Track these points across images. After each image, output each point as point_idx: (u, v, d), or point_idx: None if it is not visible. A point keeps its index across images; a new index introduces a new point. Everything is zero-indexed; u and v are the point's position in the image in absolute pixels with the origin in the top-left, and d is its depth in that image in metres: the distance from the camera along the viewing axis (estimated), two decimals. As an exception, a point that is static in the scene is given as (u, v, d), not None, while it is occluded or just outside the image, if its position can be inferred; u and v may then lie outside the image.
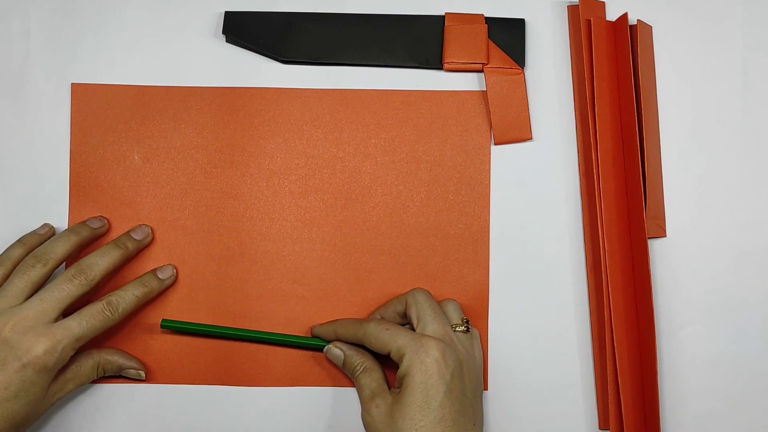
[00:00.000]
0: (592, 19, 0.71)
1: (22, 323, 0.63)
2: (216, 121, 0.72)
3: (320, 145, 0.72)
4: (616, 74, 0.71)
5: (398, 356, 0.64)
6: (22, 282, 0.65)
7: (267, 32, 0.73)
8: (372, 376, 0.67)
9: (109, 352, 0.69)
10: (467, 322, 0.68)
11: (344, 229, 0.72)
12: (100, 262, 0.67)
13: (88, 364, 0.68)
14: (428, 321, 0.66)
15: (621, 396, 0.67)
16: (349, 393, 0.71)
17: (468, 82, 0.73)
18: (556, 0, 0.74)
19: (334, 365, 0.70)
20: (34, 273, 0.65)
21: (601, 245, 0.69)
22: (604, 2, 0.73)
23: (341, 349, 0.68)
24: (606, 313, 0.68)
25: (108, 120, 0.72)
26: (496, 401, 0.71)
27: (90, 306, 0.66)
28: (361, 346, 0.68)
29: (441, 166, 0.72)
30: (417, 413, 0.61)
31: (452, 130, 0.72)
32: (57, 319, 0.64)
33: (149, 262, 0.72)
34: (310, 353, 0.71)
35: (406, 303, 0.68)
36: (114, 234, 0.72)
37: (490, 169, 0.72)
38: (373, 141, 0.72)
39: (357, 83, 0.73)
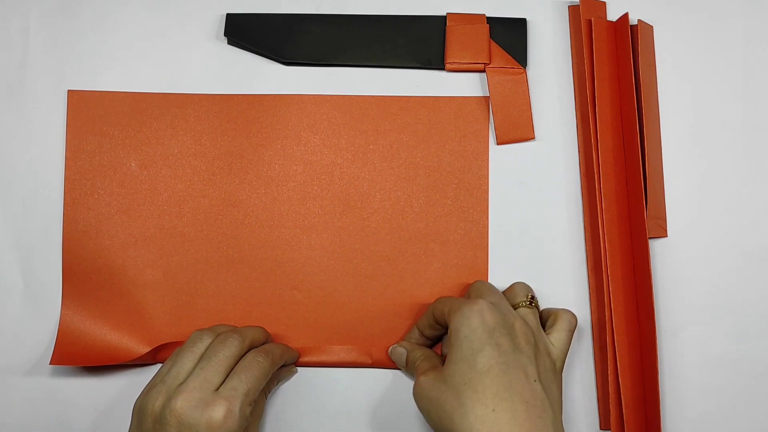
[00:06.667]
0: (593, 19, 0.71)
1: (191, 396, 0.60)
2: (214, 128, 0.72)
3: (318, 151, 0.72)
4: (617, 74, 0.71)
5: (449, 318, 0.63)
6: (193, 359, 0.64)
7: (269, 34, 0.73)
8: (430, 361, 0.66)
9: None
10: (533, 298, 0.67)
11: (343, 235, 0.72)
12: (248, 330, 0.67)
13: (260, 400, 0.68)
14: (482, 296, 0.66)
15: (622, 396, 0.67)
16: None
17: (470, 83, 0.73)
18: (557, -1, 0.74)
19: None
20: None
21: (601, 245, 0.69)
22: (604, 2, 0.73)
23: (404, 347, 0.69)
24: (607, 313, 0.68)
25: (105, 127, 0.72)
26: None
27: (242, 360, 0.64)
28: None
29: (439, 172, 0.72)
30: (464, 365, 0.60)
31: (450, 135, 0.72)
32: (221, 385, 0.62)
33: (146, 269, 0.71)
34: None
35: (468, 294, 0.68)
36: (111, 241, 0.71)
37: (488, 174, 0.72)
38: (371, 147, 0.72)
39: (359, 84, 0.73)
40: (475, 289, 0.67)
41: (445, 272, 0.71)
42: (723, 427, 0.70)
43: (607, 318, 0.68)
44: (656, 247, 0.71)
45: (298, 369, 0.71)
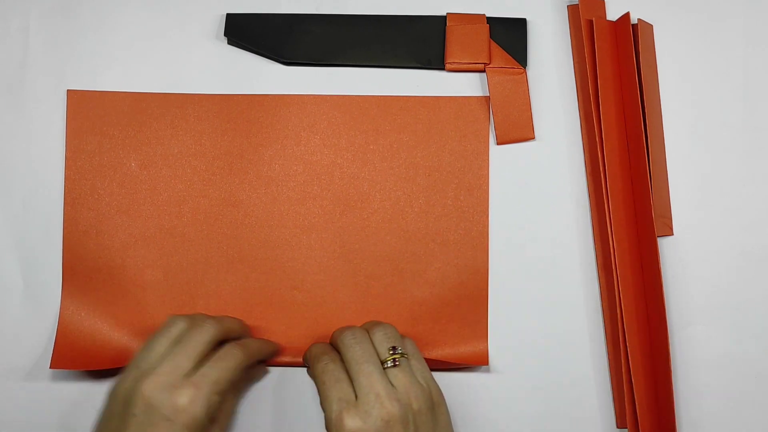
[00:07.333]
0: (594, 19, 0.71)
1: (159, 380, 0.60)
2: (214, 128, 0.72)
3: (319, 151, 0.72)
4: (618, 74, 0.71)
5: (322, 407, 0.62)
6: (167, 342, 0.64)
7: (269, 34, 0.73)
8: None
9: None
10: (396, 351, 0.64)
11: (343, 235, 0.72)
12: (225, 319, 0.68)
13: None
14: (358, 384, 0.62)
15: (635, 395, 0.67)
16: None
17: (470, 83, 0.73)
18: (557, -1, 0.74)
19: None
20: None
21: (610, 244, 0.69)
22: (603, 1, 0.72)
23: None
24: (618, 312, 0.68)
25: (104, 127, 0.72)
26: (511, 405, 0.71)
27: (218, 350, 0.64)
28: None
29: (439, 172, 0.72)
30: None
31: (450, 135, 0.72)
32: (193, 371, 0.62)
33: (146, 269, 0.71)
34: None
35: (340, 353, 0.65)
36: (111, 241, 0.71)
37: (488, 174, 0.72)
38: (371, 147, 0.72)
39: (359, 84, 0.73)
40: (349, 365, 0.63)
41: (445, 272, 0.71)
42: (723, 427, 0.70)
43: (618, 317, 0.68)
44: (662, 245, 0.71)
45: (299, 368, 0.71)
